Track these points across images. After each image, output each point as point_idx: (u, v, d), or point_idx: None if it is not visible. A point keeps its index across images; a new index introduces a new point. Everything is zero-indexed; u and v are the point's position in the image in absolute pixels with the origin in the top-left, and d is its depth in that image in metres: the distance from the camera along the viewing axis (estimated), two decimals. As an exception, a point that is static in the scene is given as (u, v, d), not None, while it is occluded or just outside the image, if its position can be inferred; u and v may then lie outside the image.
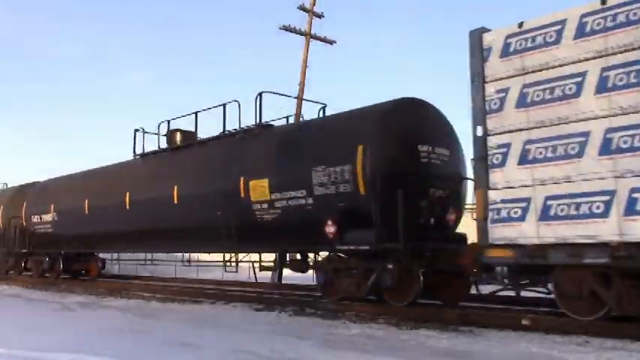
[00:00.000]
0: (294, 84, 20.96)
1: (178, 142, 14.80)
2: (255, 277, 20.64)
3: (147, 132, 15.75)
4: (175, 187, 13.03)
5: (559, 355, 6.11)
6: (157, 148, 15.40)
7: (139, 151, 15.87)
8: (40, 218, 18.82)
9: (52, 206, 18.14)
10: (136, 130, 15.77)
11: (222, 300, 12.34)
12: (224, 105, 13.08)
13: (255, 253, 12.84)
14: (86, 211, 16.33)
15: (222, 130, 13.31)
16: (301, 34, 21.23)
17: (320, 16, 21.62)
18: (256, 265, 12.79)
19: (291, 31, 21.03)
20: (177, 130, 15.04)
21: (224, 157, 12.44)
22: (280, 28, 20.79)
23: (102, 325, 8.96)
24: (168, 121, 15.10)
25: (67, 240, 17.91)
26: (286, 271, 19.51)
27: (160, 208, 13.58)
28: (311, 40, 21.33)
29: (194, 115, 14.27)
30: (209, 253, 15.71)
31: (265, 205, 10.95)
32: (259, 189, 11.02)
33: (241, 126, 12.76)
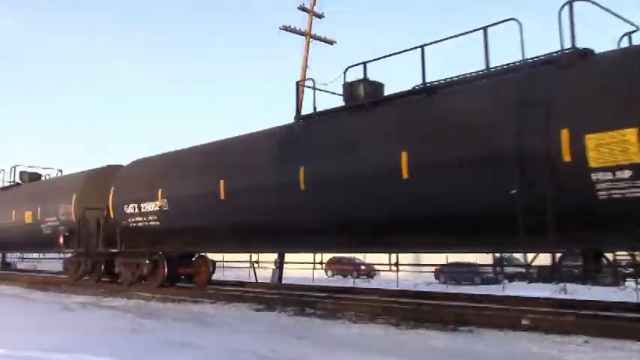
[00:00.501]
0: (293, 84, 21.00)
1: (363, 97, 10.50)
2: (255, 277, 20.74)
3: (318, 89, 11.37)
4: (403, 154, 8.84)
5: (559, 355, 6.11)
6: (344, 105, 10.88)
7: (307, 110, 11.52)
8: (139, 208, 14.45)
9: (160, 191, 13.78)
10: (298, 83, 11.62)
11: (222, 300, 12.37)
12: (485, 28, 8.59)
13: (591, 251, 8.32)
14: (222, 196, 11.97)
15: (484, 67, 8.70)
16: (301, 34, 21.28)
17: (320, 16, 21.70)
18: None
19: (291, 32, 21.09)
20: (362, 80, 10.51)
21: (505, 104, 8.02)
22: (280, 28, 20.86)
23: (102, 325, 8.96)
24: (365, 64, 10.40)
25: (181, 236, 13.77)
26: (286, 271, 19.71)
27: (371, 187, 9.36)
28: (311, 40, 21.39)
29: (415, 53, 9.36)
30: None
31: (626, 174, 6.85)
32: (611, 147, 6.95)
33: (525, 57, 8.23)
